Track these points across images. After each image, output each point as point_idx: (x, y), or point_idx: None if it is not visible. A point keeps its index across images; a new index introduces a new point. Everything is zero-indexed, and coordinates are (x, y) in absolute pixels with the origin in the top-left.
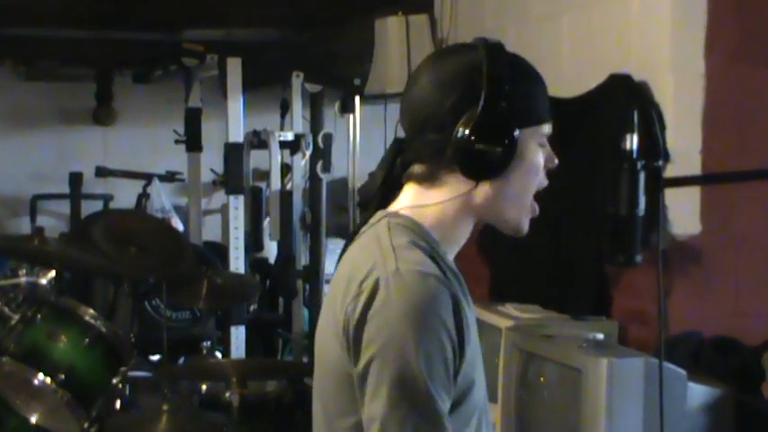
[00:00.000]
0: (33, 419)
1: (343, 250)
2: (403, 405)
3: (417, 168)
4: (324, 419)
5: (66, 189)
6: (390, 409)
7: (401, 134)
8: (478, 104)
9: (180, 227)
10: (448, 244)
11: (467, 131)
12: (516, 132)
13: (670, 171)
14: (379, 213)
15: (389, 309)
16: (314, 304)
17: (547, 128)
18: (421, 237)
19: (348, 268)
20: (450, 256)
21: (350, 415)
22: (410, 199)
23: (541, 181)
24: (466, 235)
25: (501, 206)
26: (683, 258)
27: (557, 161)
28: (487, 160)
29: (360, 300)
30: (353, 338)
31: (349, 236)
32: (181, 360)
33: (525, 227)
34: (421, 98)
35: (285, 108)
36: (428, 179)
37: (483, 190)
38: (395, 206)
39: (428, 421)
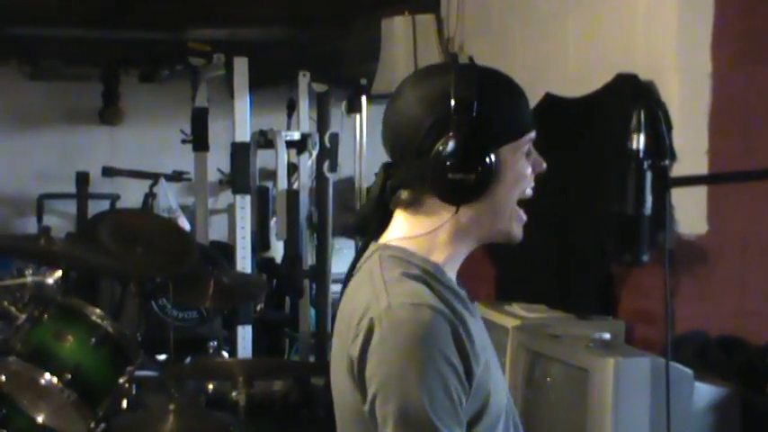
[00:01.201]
0: (40, 419)
1: (345, 283)
2: None
3: (403, 194)
4: None
5: (72, 189)
6: None
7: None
8: (450, 130)
9: (186, 226)
10: (447, 264)
11: (439, 160)
12: (491, 156)
13: (676, 171)
14: (373, 246)
15: (385, 345)
16: (320, 304)
17: (528, 137)
18: (413, 264)
19: (348, 307)
20: (451, 273)
21: None
22: (400, 229)
23: (525, 188)
24: (464, 255)
25: (488, 223)
26: (690, 258)
27: (545, 165)
28: (463, 187)
29: (358, 340)
30: (358, 377)
31: (349, 268)
32: (187, 360)
33: (518, 234)
34: (399, 123)
35: (292, 108)
36: (413, 205)
37: (467, 213)
38: (386, 236)
39: None
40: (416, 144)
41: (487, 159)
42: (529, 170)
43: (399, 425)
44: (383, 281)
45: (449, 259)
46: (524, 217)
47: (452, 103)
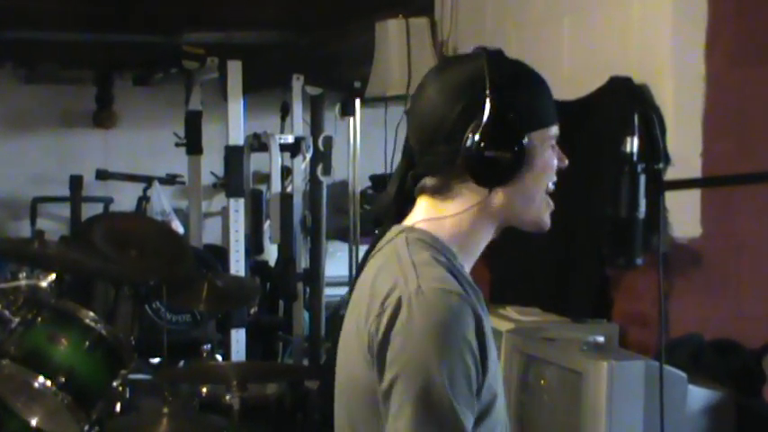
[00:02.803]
0: (33, 422)
1: (361, 265)
2: (428, 424)
3: (429, 181)
4: None
5: (66, 192)
6: (415, 428)
7: (402, 139)
8: (484, 112)
9: (180, 230)
10: (465, 256)
11: (475, 139)
12: (525, 137)
13: (670, 174)
14: (395, 228)
15: (412, 327)
16: (314, 307)
17: (554, 129)
18: (439, 251)
19: (369, 285)
20: (467, 268)
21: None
22: (425, 212)
23: (550, 180)
24: (484, 244)
25: (517, 210)
26: (684, 261)
27: (567, 162)
28: (498, 167)
29: (383, 318)
30: (377, 357)
31: (366, 251)
32: (181, 363)
33: (547, 222)
34: (427, 111)
35: (285, 111)
36: (441, 191)
37: (497, 197)
38: (410, 220)
39: None
40: (447, 128)
41: (522, 138)
42: (555, 161)
43: (419, 408)
44: (412, 262)
45: (468, 252)
46: (552, 205)
47: (487, 83)
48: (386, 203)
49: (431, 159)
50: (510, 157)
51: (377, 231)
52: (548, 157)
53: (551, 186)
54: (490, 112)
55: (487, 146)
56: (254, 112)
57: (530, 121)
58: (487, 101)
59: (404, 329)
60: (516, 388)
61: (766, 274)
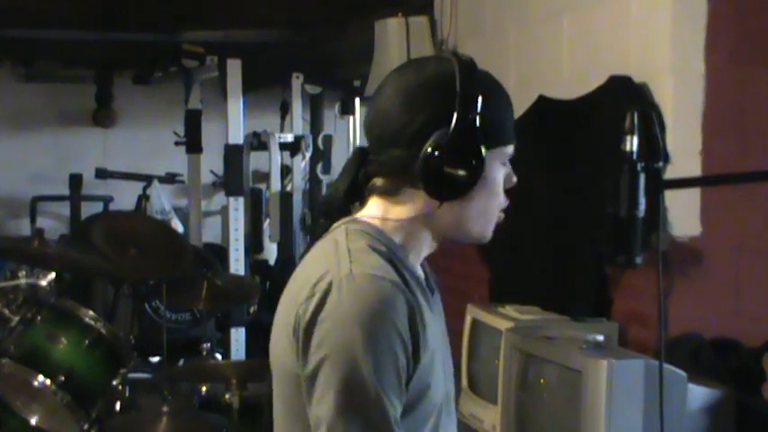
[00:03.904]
0: (33, 421)
1: (302, 256)
2: (350, 409)
3: (380, 182)
4: (284, 421)
5: (65, 191)
6: (338, 414)
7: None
8: (449, 124)
9: (180, 228)
10: (411, 251)
11: (436, 153)
12: (485, 156)
13: (670, 172)
14: (340, 221)
15: (340, 311)
16: None
17: (511, 148)
18: (380, 241)
19: (303, 272)
20: (416, 263)
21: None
22: (372, 211)
23: (501, 201)
24: (429, 247)
25: (463, 224)
26: (683, 260)
27: (515, 179)
28: (455, 183)
29: (312, 301)
30: (303, 340)
31: (310, 242)
32: (181, 362)
33: (489, 235)
34: (389, 111)
35: (285, 110)
36: (391, 193)
37: (445, 210)
38: (357, 215)
39: (375, 427)
40: (409, 134)
41: (482, 158)
42: (501, 181)
43: (343, 393)
44: (347, 249)
45: (413, 247)
46: (502, 218)
47: (458, 94)
48: (336, 199)
49: (386, 160)
50: (467, 175)
51: (322, 225)
52: (496, 175)
53: (503, 202)
54: (456, 126)
55: (447, 161)
56: (254, 111)
57: (491, 138)
58: (455, 114)
59: (332, 314)
60: (516, 386)
61: (766, 272)
